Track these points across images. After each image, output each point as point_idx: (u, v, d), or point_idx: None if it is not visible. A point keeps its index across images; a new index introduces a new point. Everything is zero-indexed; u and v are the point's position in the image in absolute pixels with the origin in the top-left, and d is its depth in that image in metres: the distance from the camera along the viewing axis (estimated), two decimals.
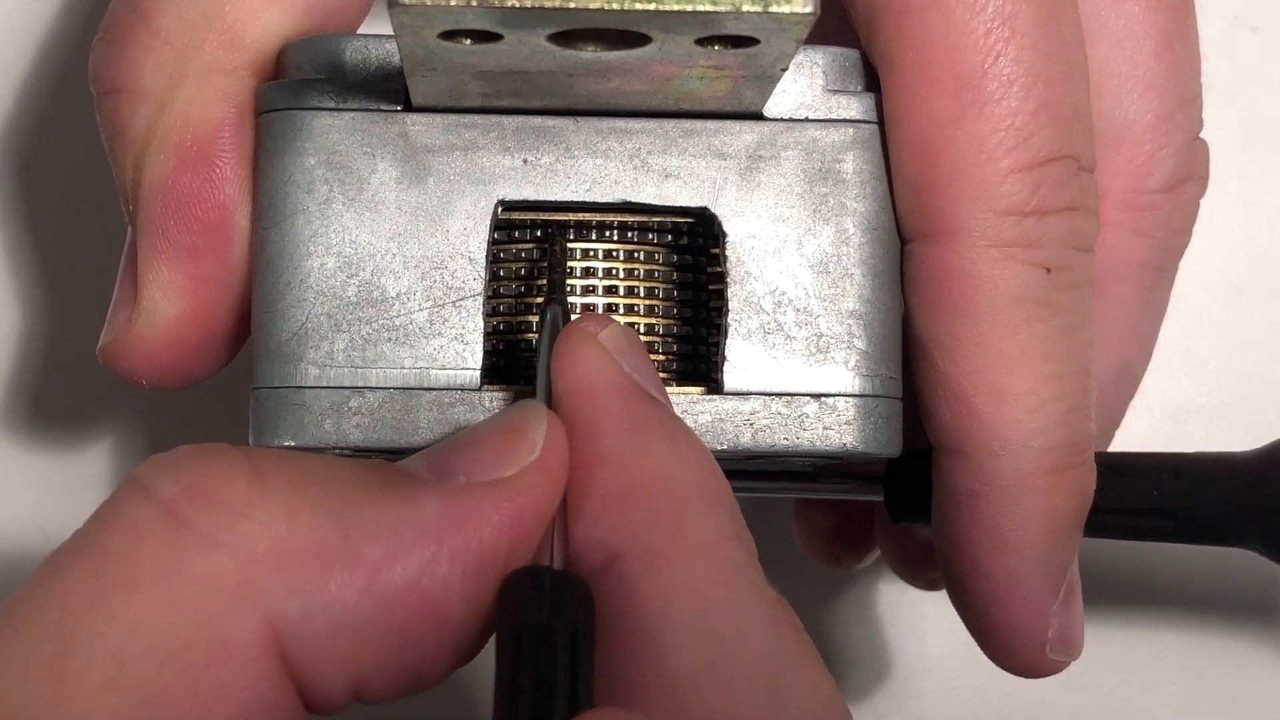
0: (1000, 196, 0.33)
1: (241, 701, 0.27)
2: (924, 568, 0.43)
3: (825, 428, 0.34)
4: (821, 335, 0.34)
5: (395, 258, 0.33)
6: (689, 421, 0.33)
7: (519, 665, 0.27)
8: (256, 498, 0.28)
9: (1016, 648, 0.36)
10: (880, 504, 0.41)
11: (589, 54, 0.30)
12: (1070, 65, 0.34)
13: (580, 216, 0.34)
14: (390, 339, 0.33)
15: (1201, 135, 0.39)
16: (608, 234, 0.34)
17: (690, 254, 0.35)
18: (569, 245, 0.34)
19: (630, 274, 0.34)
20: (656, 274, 0.34)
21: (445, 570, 0.28)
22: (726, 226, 0.34)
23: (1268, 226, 0.48)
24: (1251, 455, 0.38)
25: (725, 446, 0.33)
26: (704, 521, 0.29)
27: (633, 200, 0.34)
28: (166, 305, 0.35)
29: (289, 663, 0.27)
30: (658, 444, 0.30)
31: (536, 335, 0.33)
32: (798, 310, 0.34)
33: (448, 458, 0.29)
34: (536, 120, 0.33)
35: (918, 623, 0.48)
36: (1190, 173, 0.38)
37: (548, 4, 0.27)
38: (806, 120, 0.34)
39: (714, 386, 0.34)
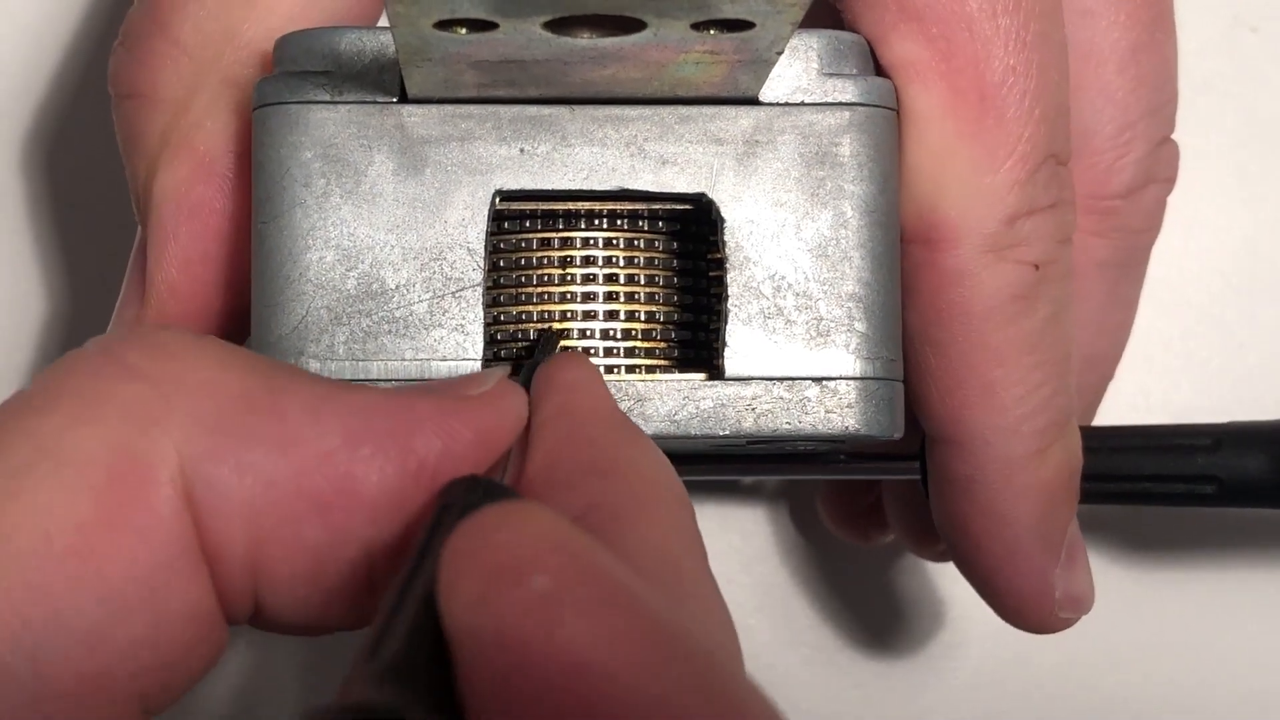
0: (1008, 205, 0.34)
1: (141, 525, 0.27)
2: (934, 540, 0.43)
3: (827, 411, 0.34)
4: (821, 319, 0.34)
5: (394, 249, 0.33)
6: (691, 408, 0.33)
7: (436, 530, 0.26)
8: (190, 346, 0.28)
9: (1025, 611, 0.38)
10: (887, 482, 0.42)
11: (584, 41, 0.30)
12: (1061, 70, 0.35)
13: (578, 205, 0.34)
14: (390, 331, 0.33)
15: (1173, 136, 0.40)
16: (606, 222, 0.34)
17: (689, 240, 0.35)
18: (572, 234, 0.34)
19: (629, 261, 0.34)
20: (655, 261, 0.34)
21: (368, 452, 0.28)
22: (725, 212, 0.34)
23: (1268, 226, 0.48)
24: None
25: (727, 432, 0.33)
26: (673, 507, 0.29)
27: (630, 188, 0.33)
28: (175, 306, 0.35)
29: (192, 501, 0.27)
30: (640, 440, 0.30)
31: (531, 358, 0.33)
32: (797, 294, 0.34)
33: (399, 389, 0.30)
34: (533, 109, 0.33)
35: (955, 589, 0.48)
36: (1152, 176, 0.40)
37: None
38: (802, 104, 0.34)
39: (715, 372, 0.34)
